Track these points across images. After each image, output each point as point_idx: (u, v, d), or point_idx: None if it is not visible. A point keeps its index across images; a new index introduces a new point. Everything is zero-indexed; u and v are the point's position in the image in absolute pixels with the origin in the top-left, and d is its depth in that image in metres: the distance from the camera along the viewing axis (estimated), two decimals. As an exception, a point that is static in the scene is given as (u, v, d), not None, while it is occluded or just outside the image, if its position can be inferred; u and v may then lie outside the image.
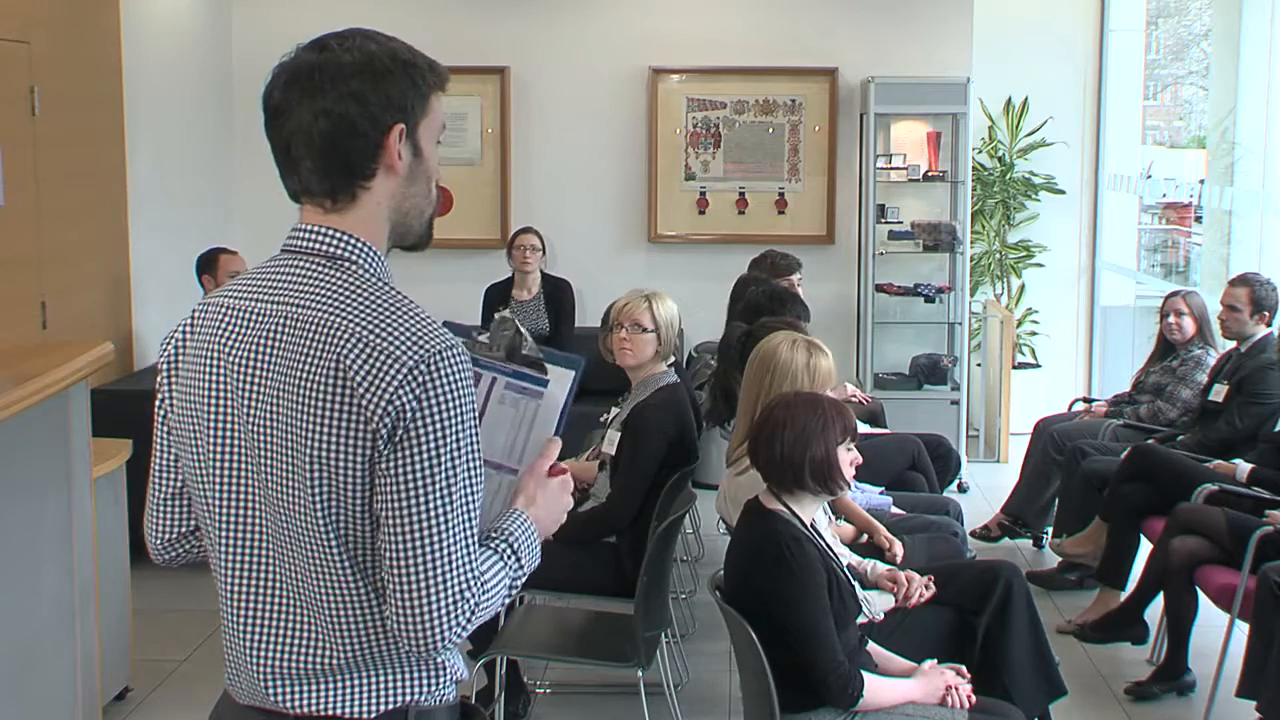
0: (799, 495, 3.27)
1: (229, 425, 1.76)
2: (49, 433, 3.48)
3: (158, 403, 1.88)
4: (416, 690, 1.79)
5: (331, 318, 1.69)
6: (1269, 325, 5.51)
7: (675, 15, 7.70)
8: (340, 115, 1.72)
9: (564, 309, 7.19)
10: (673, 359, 4.53)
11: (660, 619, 4.08)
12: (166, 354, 1.86)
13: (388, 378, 1.65)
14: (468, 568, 1.69)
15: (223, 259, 6.16)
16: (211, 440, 1.77)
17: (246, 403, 1.74)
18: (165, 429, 1.88)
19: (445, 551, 1.67)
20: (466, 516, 1.69)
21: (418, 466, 1.65)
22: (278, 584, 1.76)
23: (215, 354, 1.77)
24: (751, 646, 3.08)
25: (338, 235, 1.76)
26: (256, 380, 1.73)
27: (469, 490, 1.69)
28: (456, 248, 7.67)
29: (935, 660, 3.33)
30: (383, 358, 1.66)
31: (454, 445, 1.67)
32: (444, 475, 1.67)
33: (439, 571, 1.67)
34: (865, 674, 3.13)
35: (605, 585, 4.20)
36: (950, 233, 7.48)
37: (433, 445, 1.66)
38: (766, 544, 3.17)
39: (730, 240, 7.62)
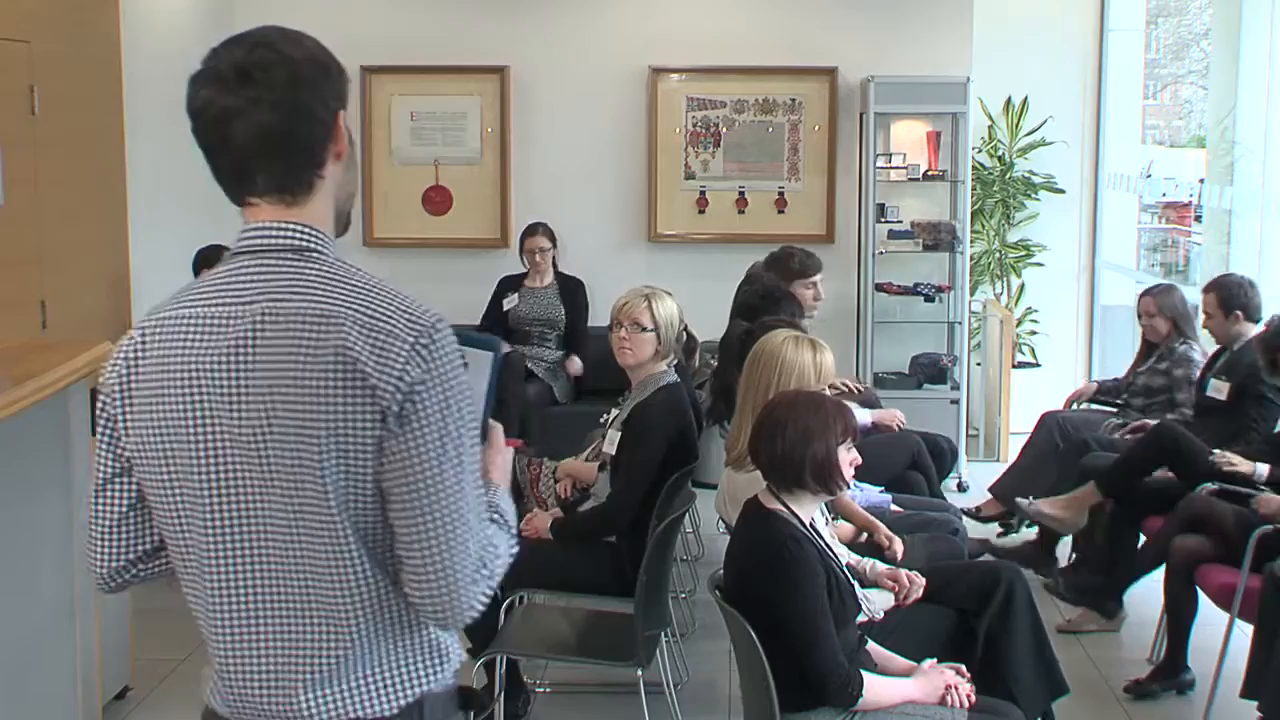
0: (798, 494, 3.27)
1: (215, 435, 1.73)
2: (49, 433, 3.49)
3: (101, 426, 1.83)
4: (427, 678, 1.81)
5: (321, 306, 1.71)
6: (1253, 321, 5.50)
7: (675, 15, 7.70)
8: (306, 107, 1.75)
9: (577, 305, 7.22)
10: (673, 358, 4.52)
11: (660, 618, 4.08)
12: (115, 376, 1.80)
13: (392, 355, 1.68)
14: (484, 535, 1.74)
15: (225, 256, 6.16)
16: (196, 455, 1.74)
17: (234, 406, 1.71)
18: (111, 453, 1.83)
19: (465, 520, 1.71)
20: (476, 483, 1.74)
21: (431, 439, 1.69)
22: (284, 588, 1.75)
23: (186, 366, 1.74)
24: (751, 646, 3.08)
25: (301, 228, 1.78)
26: (242, 380, 1.71)
27: (475, 457, 1.74)
28: (456, 247, 7.68)
29: (935, 660, 3.34)
30: (384, 337, 1.69)
31: (459, 414, 1.71)
32: (454, 444, 1.70)
33: (461, 540, 1.70)
34: (865, 673, 3.13)
35: (605, 585, 4.20)
36: (950, 232, 7.48)
37: (441, 417, 1.69)
38: (766, 543, 3.18)
39: (730, 240, 7.62)
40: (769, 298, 5.27)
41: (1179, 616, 4.60)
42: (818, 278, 5.89)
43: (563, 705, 4.55)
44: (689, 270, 7.45)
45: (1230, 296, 5.51)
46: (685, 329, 4.60)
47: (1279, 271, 7.09)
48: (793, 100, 7.67)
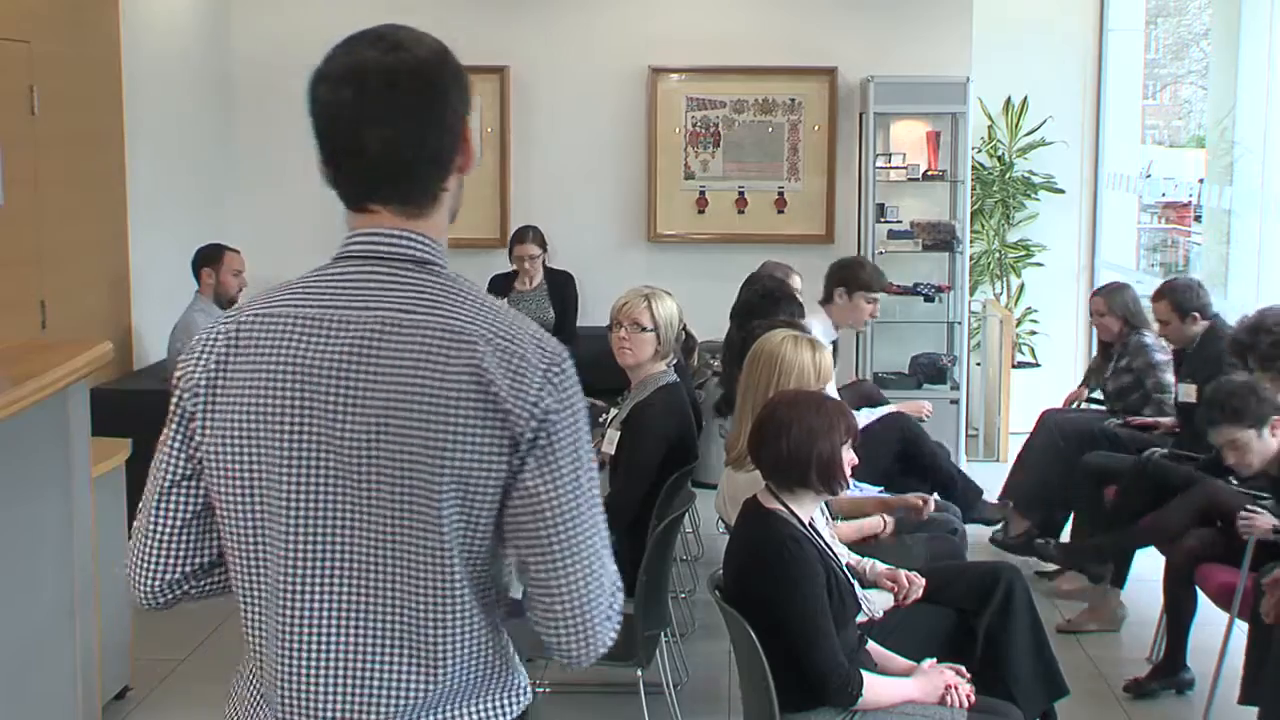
0: (799, 494, 3.27)
1: (312, 444, 1.60)
2: (49, 432, 3.48)
3: (175, 424, 1.69)
4: (505, 713, 1.70)
5: (451, 322, 1.61)
6: (1208, 319, 5.51)
7: (675, 15, 7.71)
8: (439, 116, 1.64)
9: (568, 301, 7.18)
10: (672, 358, 4.53)
11: (660, 618, 4.08)
12: (201, 371, 1.66)
13: (527, 382, 1.60)
14: (613, 570, 1.67)
15: (228, 255, 6.19)
16: (285, 463, 1.61)
17: (340, 415, 1.59)
18: (184, 454, 1.69)
19: (601, 558, 1.65)
20: (604, 515, 1.67)
21: (566, 474, 1.61)
22: (370, 618, 1.62)
23: (288, 367, 1.61)
24: (751, 645, 3.08)
25: (423, 239, 1.68)
26: (353, 389, 1.59)
27: (599, 488, 1.67)
28: (455, 248, 7.58)
29: (935, 660, 3.34)
30: (519, 363, 1.60)
31: (587, 445, 1.65)
32: (586, 476, 1.64)
33: (598, 579, 1.64)
34: (865, 673, 3.13)
35: (605, 585, 4.19)
36: (950, 232, 7.49)
37: (574, 450, 1.62)
38: (765, 543, 3.18)
39: (730, 240, 7.63)
40: (769, 298, 5.28)
41: (1178, 616, 4.60)
42: (880, 295, 5.91)
43: (563, 705, 4.55)
44: (689, 270, 7.45)
45: (1183, 300, 5.53)
46: (684, 329, 4.60)
47: (1279, 271, 7.09)
48: (792, 100, 7.68)
